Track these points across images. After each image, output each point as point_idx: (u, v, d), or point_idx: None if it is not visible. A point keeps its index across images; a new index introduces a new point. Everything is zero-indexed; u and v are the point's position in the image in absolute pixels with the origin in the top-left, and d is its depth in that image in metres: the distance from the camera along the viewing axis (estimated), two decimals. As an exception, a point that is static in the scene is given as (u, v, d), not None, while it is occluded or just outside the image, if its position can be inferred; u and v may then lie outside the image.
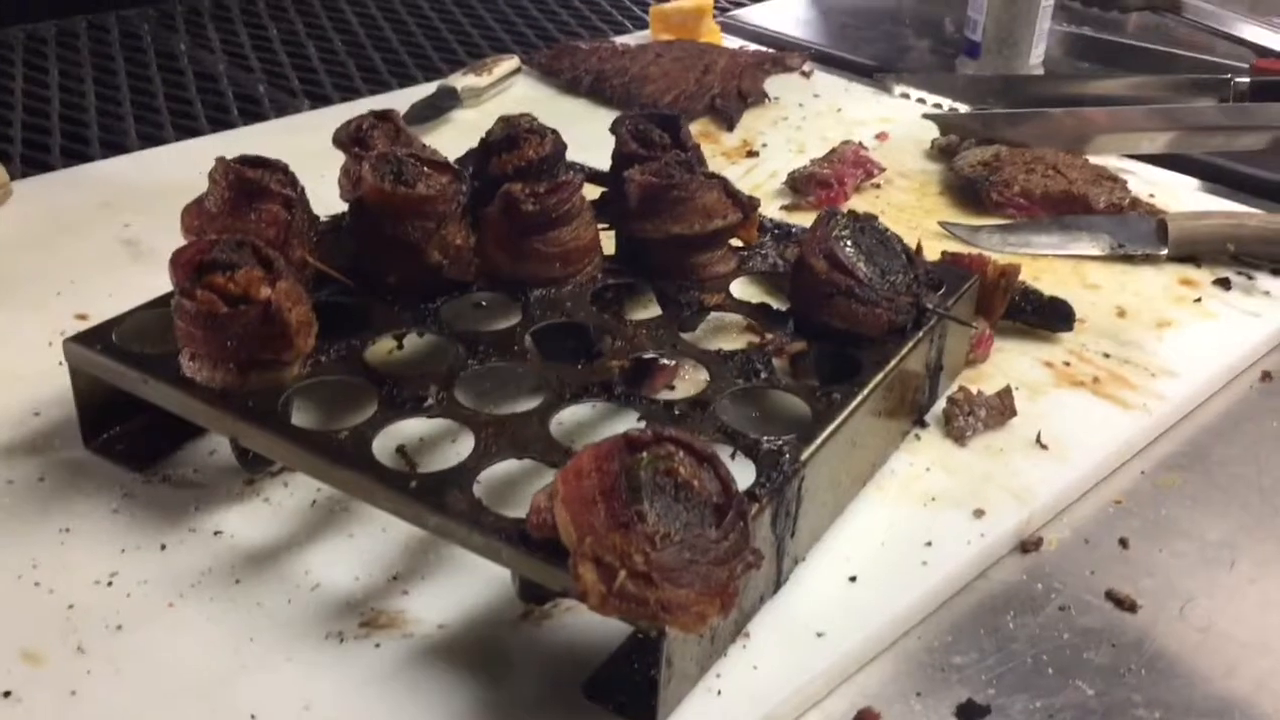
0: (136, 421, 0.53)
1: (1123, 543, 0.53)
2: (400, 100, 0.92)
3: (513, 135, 0.61)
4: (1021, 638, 0.48)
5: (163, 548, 0.49)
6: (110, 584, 0.47)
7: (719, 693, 0.43)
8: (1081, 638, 0.48)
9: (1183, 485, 0.57)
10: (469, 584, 0.47)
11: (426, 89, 0.93)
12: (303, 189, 0.55)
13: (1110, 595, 0.50)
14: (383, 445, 0.49)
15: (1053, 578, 0.51)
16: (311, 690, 0.43)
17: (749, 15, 1.18)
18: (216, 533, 0.50)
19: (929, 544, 0.51)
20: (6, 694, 0.42)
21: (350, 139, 0.60)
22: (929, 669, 0.47)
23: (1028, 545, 0.53)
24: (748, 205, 0.59)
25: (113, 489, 0.52)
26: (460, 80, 0.91)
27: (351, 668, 0.44)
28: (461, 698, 0.43)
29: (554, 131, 0.61)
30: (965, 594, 0.50)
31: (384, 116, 0.62)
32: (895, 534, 0.51)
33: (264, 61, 1.14)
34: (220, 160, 0.54)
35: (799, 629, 0.46)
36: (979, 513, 0.53)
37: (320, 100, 1.06)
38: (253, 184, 0.53)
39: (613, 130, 0.64)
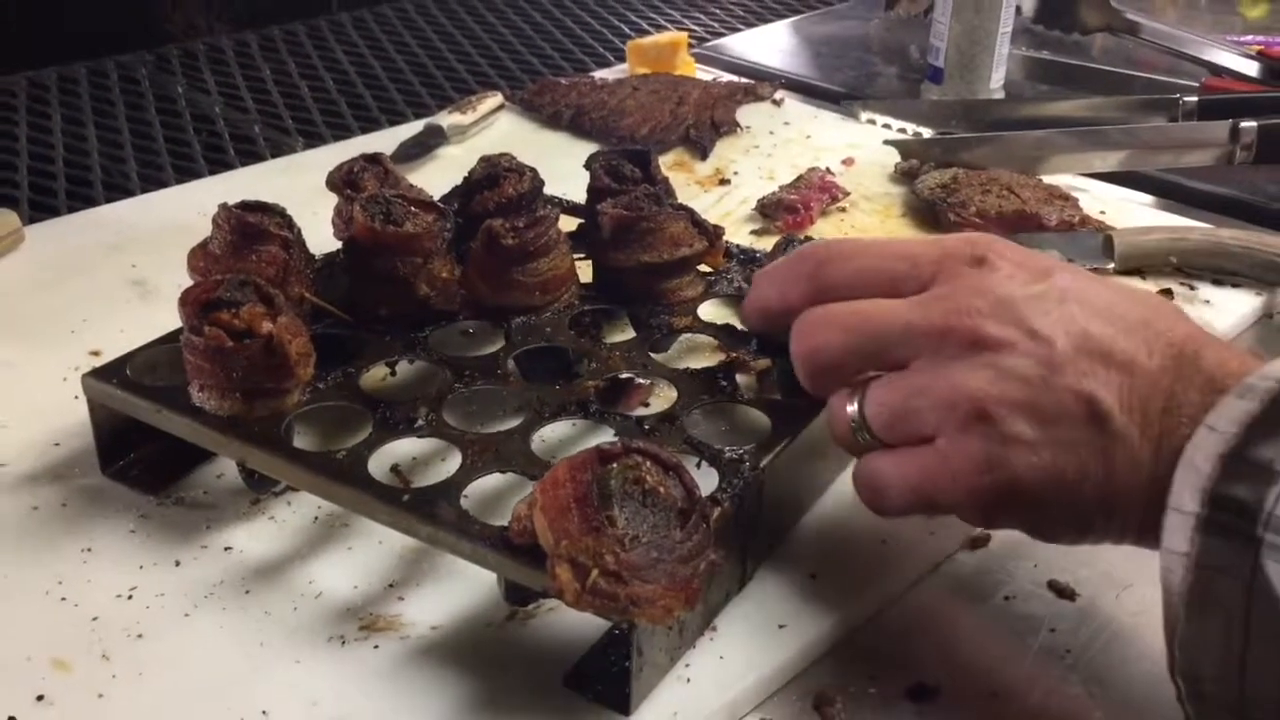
0: (149, 449, 0.58)
1: (1065, 537, 0.58)
2: (390, 138, 0.96)
3: (493, 174, 0.65)
4: (969, 625, 0.52)
5: (177, 564, 0.53)
6: (131, 597, 0.51)
7: (688, 680, 0.48)
8: (1024, 624, 0.52)
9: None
10: (459, 589, 0.51)
11: (415, 127, 0.97)
12: (299, 230, 0.60)
13: (1052, 585, 0.55)
14: (378, 464, 0.53)
15: (999, 571, 0.55)
16: (317, 688, 0.47)
17: (722, 46, 1.22)
18: (227, 549, 0.54)
19: (884, 542, 0.55)
20: (40, 698, 0.46)
21: (342, 181, 0.64)
22: (883, 655, 0.51)
23: (977, 541, 0.57)
24: (713, 234, 0.63)
25: (130, 511, 0.56)
26: (446, 118, 0.95)
27: (353, 667, 0.48)
28: (454, 691, 0.47)
29: (532, 169, 0.66)
30: (918, 587, 0.54)
31: (374, 159, 0.66)
32: (854, 534, 0.56)
33: (259, 102, 1.19)
34: (222, 206, 0.58)
35: (763, 622, 0.50)
36: (931, 512, 0.57)
37: (313, 138, 1.11)
38: (253, 227, 0.57)
39: (587, 166, 0.69)
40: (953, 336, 0.44)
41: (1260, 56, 1.13)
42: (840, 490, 0.59)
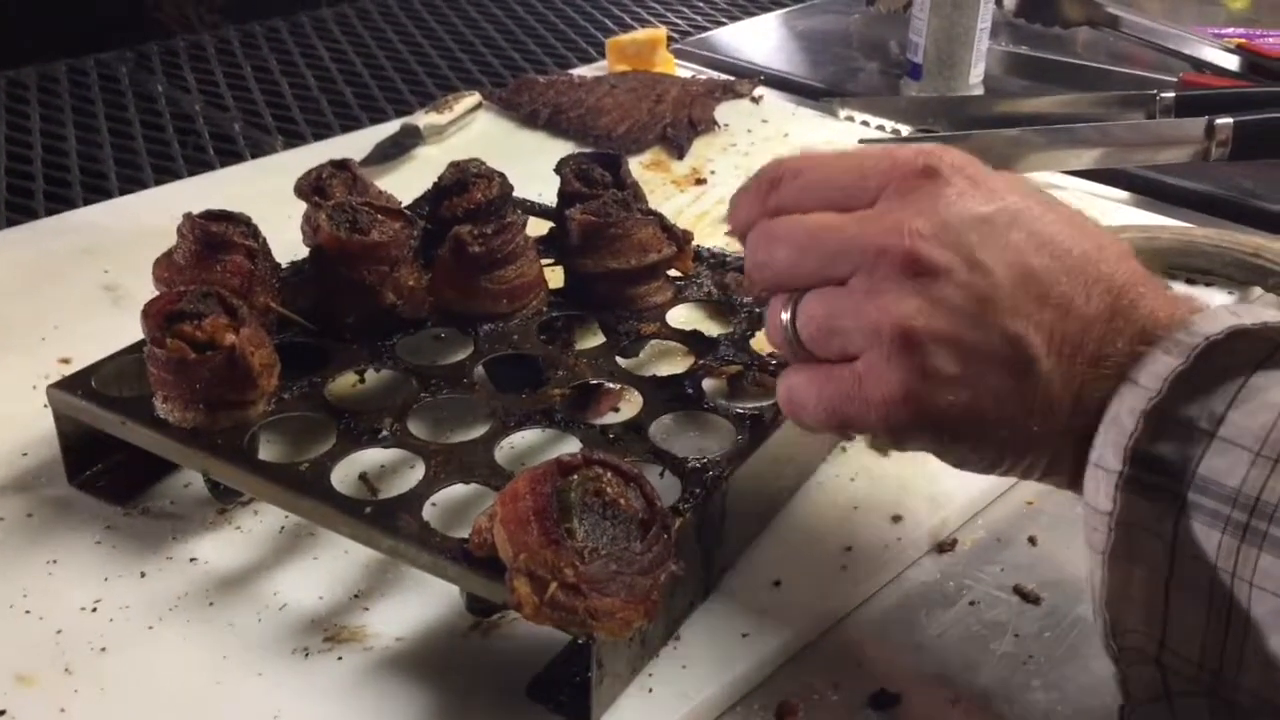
0: (116, 459, 0.58)
1: (1031, 541, 0.58)
2: (367, 138, 0.96)
3: (462, 179, 0.65)
4: (933, 631, 0.53)
5: (143, 575, 0.53)
6: (95, 610, 0.51)
7: (650, 690, 0.48)
8: (988, 629, 0.53)
9: (1092, 486, 0.61)
10: (423, 600, 0.51)
11: (391, 126, 0.97)
12: (264, 240, 0.60)
13: (1017, 590, 0.55)
14: (345, 474, 0.54)
15: (964, 575, 0.56)
16: (280, 701, 0.47)
17: (702, 42, 1.22)
18: (192, 560, 0.54)
19: (849, 549, 0.55)
20: (2, 712, 0.46)
21: (310, 188, 0.64)
22: (846, 663, 0.51)
23: (943, 546, 0.57)
24: (682, 239, 0.63)
25: (96, 522, 0.56)
26: (422, 118, 0.95)
27: (317, 679, 0.48)
28: (418, 702, 0.47)
29: (501, 175, 0.66)
30: (882, 594, 0.55)
31: (342, 165, 0.66)
32: (818, 540, 0.56)
33: (239, 100, 1.19)
34: (187, 216, 0.58)
35: (726, 631, 0.51)
36: (897, 518, 0.57)
37: (293, 136, 1.10)
38: (217, 237, 0.57)
39: (557, 171, 0.68)
40: (888, 256, 0.43)
41: (1240, 50, 1.13)
42: (805, 497, 0.59)
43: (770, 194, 0.47)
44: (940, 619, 0.53)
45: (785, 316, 0.46)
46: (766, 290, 0.48)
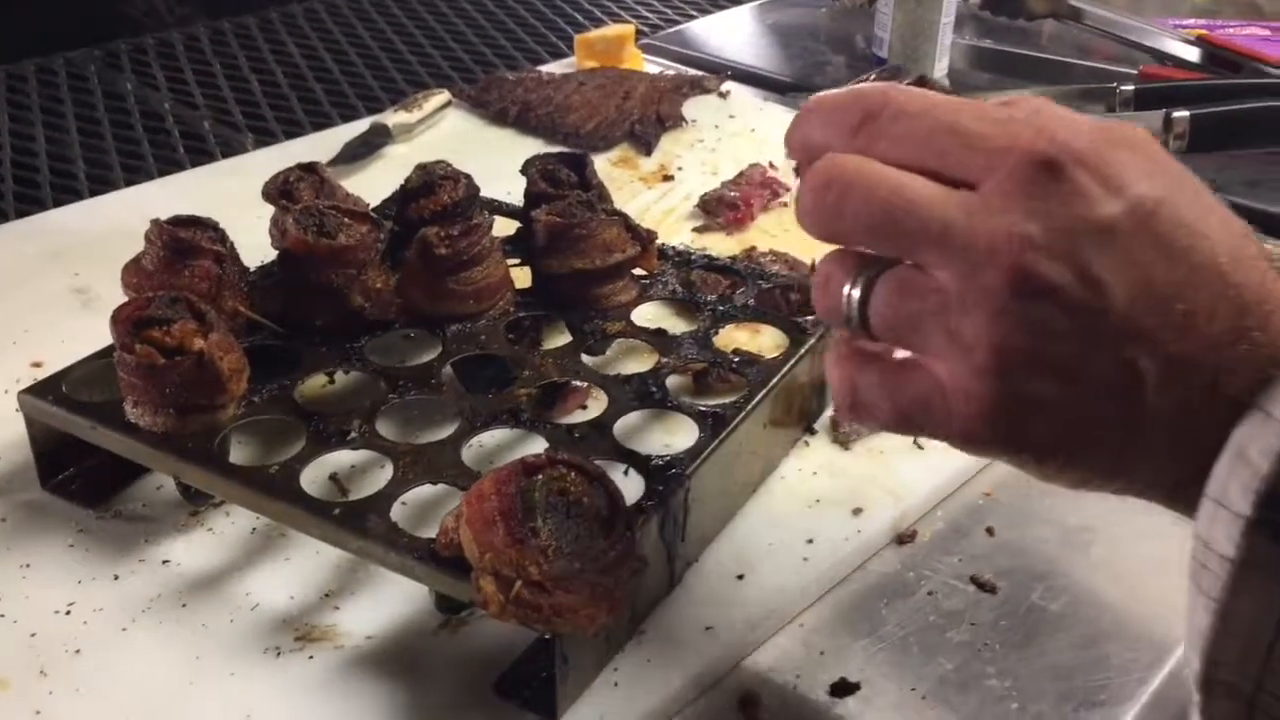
0: (88, 462, 0.58)
1: (989, 531, 0.59)
2: (338, 136, 0.97)
3: (429, 181, 0.66)
4: (892, 621, 0.54)
5: (116, 578, 0.54)
6: (69, 613, 0.52)
7: (616, 684, 0.49)
8: (946, 619, 0.54)
9: (1049, 476, 0.63)
10: (393, 598, 0.52)
11: (361, 125, 0.98)
12: (232, 244, 0.61)
13: (974, 580, 0.56)
14: (315, 475, 0.55)
15: (924, 566, 0.57)
16: (252, 701, 0.48)
17: (670, 37, 1.23)
18: (165, 561, 0.55)
19: (811, 541, 0.57)
20: (-23, 716, 0.47)
21: (278, 191, 0.65)
22: (808, 653, 0.52)
23: (903, 538, 0.59)
24: (645, 239, 0.64)
25: (69, 525, 0.57)
26: (391, 117, 0.96)
27: (288, 678, 0.49)
28: (388, 700, 0.48)
29: (467, 176, 0.67)
30: (844, 585, 0.56)
31: (310, 168, 0.67)
32: (781, 534, 0.57)
33: (208, 98, 1.19)
34: (155, 222, 0.59)
35: (690, 624, 0.52)
36: (858, 511, 0.58)
37: (263, 134, 1.11)
38: (185, 243, 0.58)
39: (523, 171, 0.69)
40: (993, 264, 0.36)
41: (1200, 42, 1.14)
42: (768, 491, 0.60)
43: (860, 127, 0.39)
44: (900, 609, 0.55)
45: (853, 293, 0.40)
46: (820, 238, 0.41)
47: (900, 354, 0.40)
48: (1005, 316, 0.37)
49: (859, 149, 0.39)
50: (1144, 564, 0.57)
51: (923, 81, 0.42)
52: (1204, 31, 1.20)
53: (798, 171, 0.43)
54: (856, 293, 0.40)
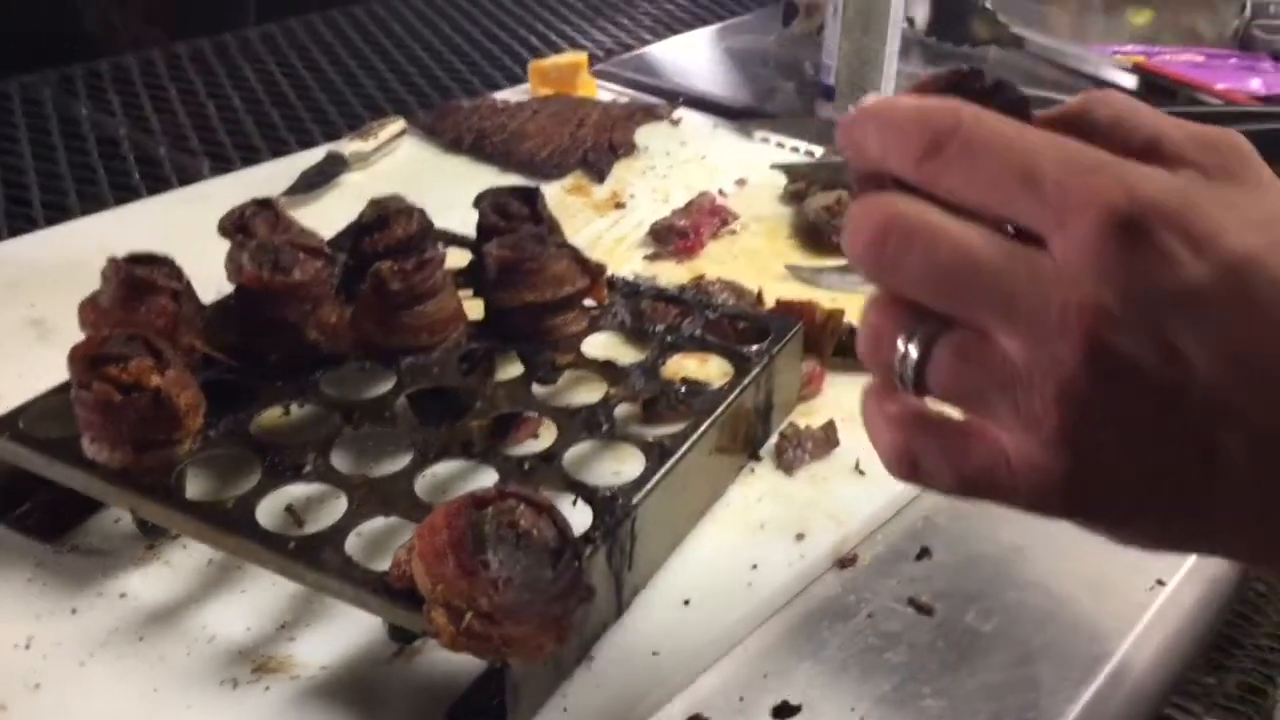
0: (45, 496, 0.59)
1: (927, 553, 0.61)
2: (294, 164, 0.98)
3: (383, 215, 0.67)
4: (833, 644, 0.56)
5: (74, 612, 0.55)
6: (28, 647, 0.53)
7: (565, 710, 0.51)
8: (884, 641, 0.56)
9: (985, 499, 0.65)
10: (348, 628, 0.54)
11: (317, 154, 0.99)
12: (188, 281, 0.62)
13: (912, 602, 0.58)
14: (271, 507, 0.56)
15: (864, 589, 0.59)
16: (210, 731, 0.49)
17: (623, 63, 1.25)
18: (122, 595, 0.56)
19: (755, 567, 0.59)
20: (-64, 752, 0.48)
21: (234, 226, 0.66)
22: (752, 676, 0.54)
23: (844, 562, 0.61)
24: (595, 271, 0.66)
25: (26, 560, 0.57)
26: (347, 146, 0.97)
27: (245, 710, 0.50)
28: (343, 729, 0.50)
29: (420, 210, 0.68)
30: (787, 609, 0.58)
31: (265, 204, 0.68)
32: (726, 560, 0.59)
33: (164, 123, 1.19)
34: (111, 260, 0.60)
35: (637, 650, 0.53)
36: (800, 536, 0.60)
37: (220, 159, 1.11)
38: (142, 281, 0.59)
39: (475, 205, 0.71)
40: (1064, 338, 0.33)
41: (1138, 70, 1.18)
42: (713, 518, 0.62)
43: (925, 157, 0.35)
44: (841, 631, 0.57)
45: (909, 352, 0.37)
46: (870, 282, 0.38)
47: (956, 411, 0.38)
48: (1077, 393, 0.34)
49: (921, 181, 0.36)
50: (1074, 583, 0.59)
51: (999, 88, 0.38)
52: (1141, 58, 1.24)
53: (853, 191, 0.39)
54: (914, 353, 0.36)
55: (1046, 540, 0.62)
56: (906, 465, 0.39)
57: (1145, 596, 0.59)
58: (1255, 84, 1.19)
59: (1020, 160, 0.34)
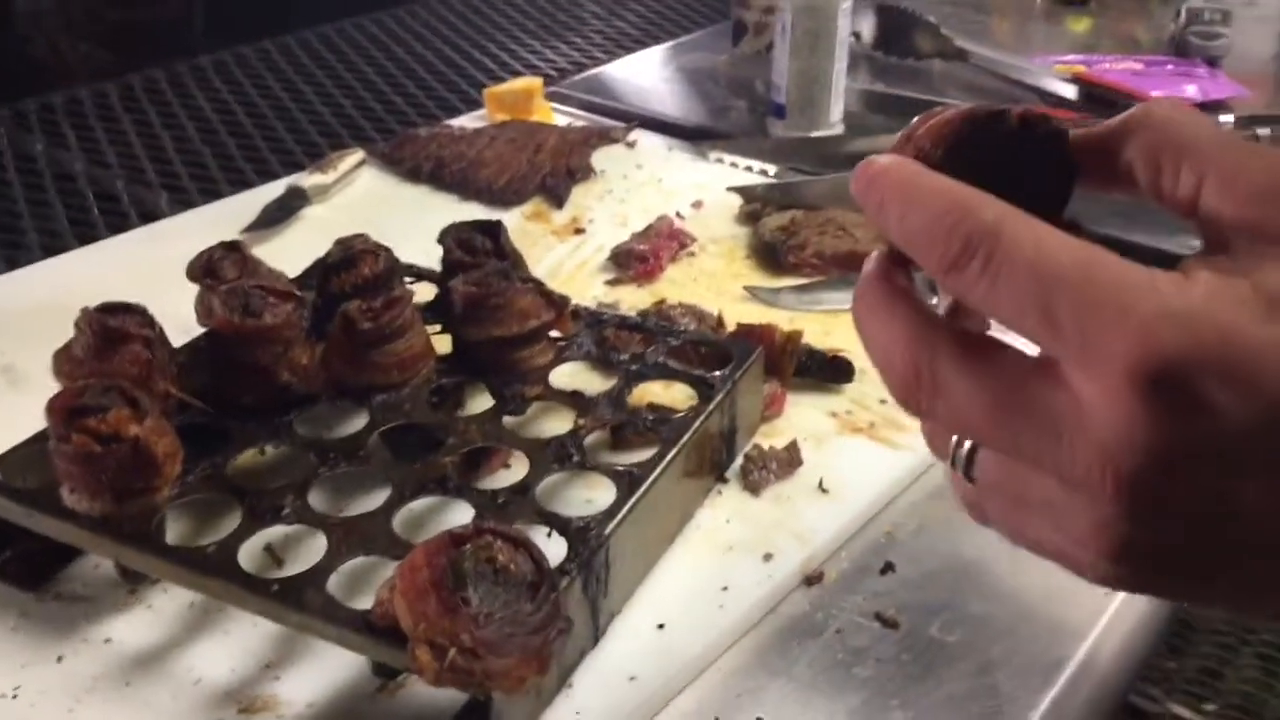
0: (25, 545, 0.60)
1: (891, 568, 0.64)
2: (256, 199, 0.98)
3: (349, 255, 0.69)
4: (803, 661, 0.58)
5: (59, 659, 0.56)
6: (15, 696, 0.54)
7: (547, 737, 0.52)
8: (852, 656, 0.58)
9: (944, 511, 0.67)
10: (331, 665, 0.55)
11: (277, 188, 0.99)
12: (160, 328, 0.63)
13: (878, 616, 0.60)
14: (251, 546, 0.57)
15: (831, 606, 0.61)
16: (200, 773, 0.50)
17: (577, 85, 1.27)
18: (107, 640, 0.57)
19: (726, 589, 0.60)
20: (-70, 806, 0.49)
21: (202, 271, 0.67)
22: (727, 695, 0.56)
23: (811, 579, 0.63)
24: (559, 304, 0.68)
25: (10, 609, 0.58)
26: (307, 180, 0.98)
27: (233, 750, 0.51)
28: (330, 765, 0.51)
29: (386, 250, 0.69)
30: (758, 628, 0.60)
31: (233, 247, 0.69)
32: (698, 582, 0.61)
33: (120, 156, 1.20)
34: (84, 311, 0.61)
35: (614, 675, 0.55)
36: (768, 556, 0.62)
37: (178, 192, 1.12)
38: (115, 331, 0.60)
39: (440, 241, 0.72)
40: (1098, 491, 0.32)
41: (1077, 80, 1.21)
42: (684, 541, 0.64)
43: (947, 270, 0.34)
44: (810, 648, 0.59)
45: (959, 452, 0.37)
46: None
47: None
48: (1117, 533, 0.32)
49: (950, 289, 0.35)
50: (1035, 591, 0.62)
51: (1027, 127, 0.36)
52: (1081, 68, 1.27)
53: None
54: (964, 451, 0.37)
55: (1007, 551, 0.63)
56: (978, 515, 0.39)
57: (1103, 600, 0.62)
58: (1190, 90, 1.23)
59: (1038, 292, 0.32)
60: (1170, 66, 1.30)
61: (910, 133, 0.38)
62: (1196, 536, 0.32)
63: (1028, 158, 0.36)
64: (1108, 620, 0.61)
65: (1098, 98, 1.19)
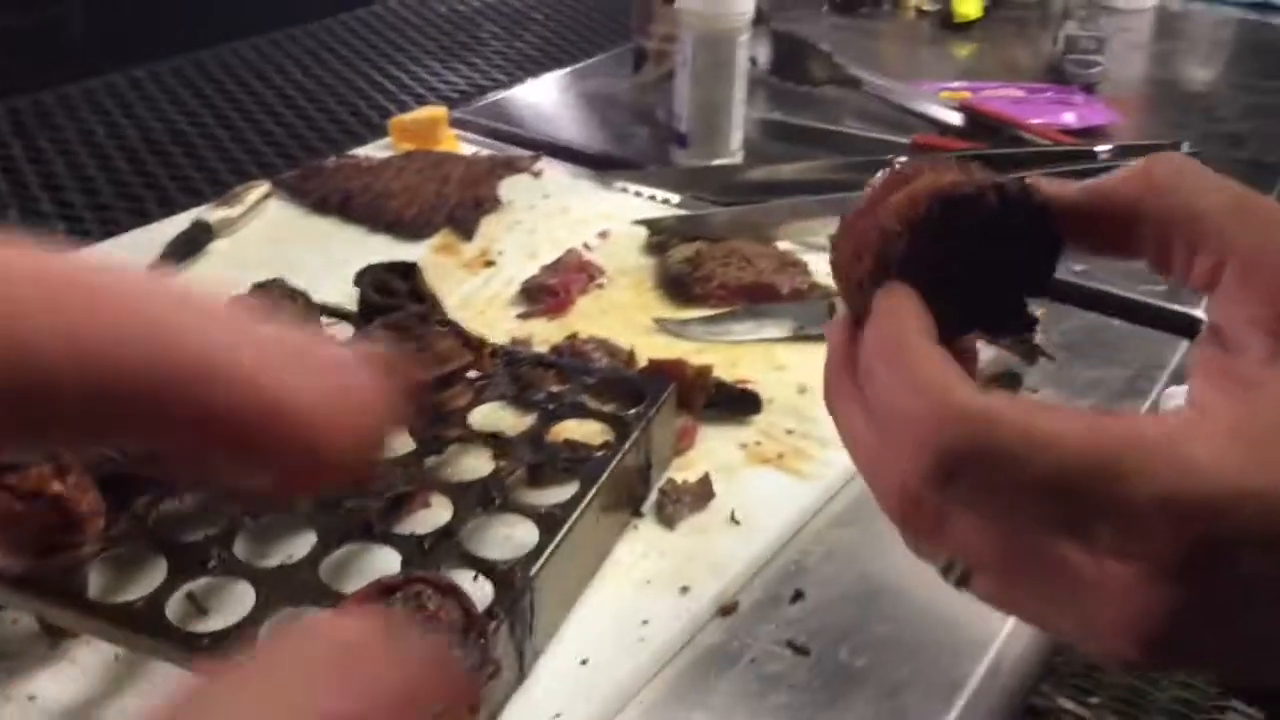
0: (-59, 603, 0.59)
1: (801, 595, 0.67)
2: (161, 232, 0.97)
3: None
4: (721, 690, 0.61)
5: (-18, 719, 0.55)
6: (-64, 759, 0.53)
7: (478, 778, 0.54)
8: (766, 684, 0.61)
9: (851, 537, 0.71)
10: (262, 715, 0.56)
11: (181, 222, 0.99)
12: (78, 381, 0.62)
13: (789, 644, 0.63)
14: (177, 597, 0.57)
15: (746, 635, 0.64)
16: (132, 829, 0.51)
17: (481, 111, 1.28)
18: (31, 698, 0.57)
19: (646, 622, 0.63)
20: None
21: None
22: (649, 728, 0.58)
23: (726, 610, 0.65)
24: (477, 346, 0.69)
25: (-73, 669, 0.58)
26: (213, 214, 0.97)
27: (166, 804, 0.52)
28: (264, 814, 0.52)
29: (304, 294, 0.70)
30: (677, 660, 0.62)
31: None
32: (618, 617, 0.63)
33: (12, 183, 1.17)
34: (-1, 366, 0.60)
35: (540, 713, 0.57)
36: (685, 589, 0.65)
37: (75, 221, 1.10)
38: (32, 385, 0.59)
39: (356, 284, 0.73)
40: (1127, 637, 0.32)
41: (963, 108, 1.27)
42: (603, 577, 0.66)
43: (932, 484, 0.31)
44: (727, 678, 0.61)
45: (952, 566, 0.36)
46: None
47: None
48: (1151, 638, 0.31)
49: (937, 501, 0.33)
50: (939, 611, 0.65)
51: (1007, 204, 0.34)
52: (967, 94, 1.33)
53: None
54: (951, 576, 0.36)
55: (912, 574, 0.67)
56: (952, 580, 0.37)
57: (1000, 620, 0.65)
58: (1068, 118, 1.29)
59: (1046, 476, 0.30)
60: (1049, 93, 1.37)
61: (873, 202, 0.35)
62: (1219, 648, 0.31)
63: (1006, 235, 0.33)
64: (1009, 631, 0.64)
65: (982, 124, 1.24)
